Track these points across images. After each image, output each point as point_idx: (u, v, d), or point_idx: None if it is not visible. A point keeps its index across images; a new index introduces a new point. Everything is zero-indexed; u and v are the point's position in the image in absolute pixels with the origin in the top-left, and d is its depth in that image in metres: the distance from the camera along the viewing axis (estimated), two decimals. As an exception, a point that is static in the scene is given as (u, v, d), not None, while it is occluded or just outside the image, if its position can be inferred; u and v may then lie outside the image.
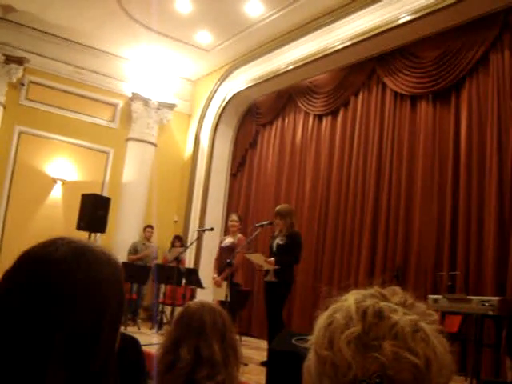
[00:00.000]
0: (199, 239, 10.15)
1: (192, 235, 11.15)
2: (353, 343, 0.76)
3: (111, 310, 1.00)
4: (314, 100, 10.12)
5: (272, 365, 4.89)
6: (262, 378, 4.92)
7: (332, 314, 0.82)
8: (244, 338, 8.66)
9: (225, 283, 7.29)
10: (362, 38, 8.41)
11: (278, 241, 6.84)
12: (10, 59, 10.50)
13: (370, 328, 0.77)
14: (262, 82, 10.63)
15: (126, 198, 11.64)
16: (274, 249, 6.86)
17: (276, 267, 6.65)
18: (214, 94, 11.88)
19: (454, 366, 0.80)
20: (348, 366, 0.75)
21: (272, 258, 6.73)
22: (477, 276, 6.82)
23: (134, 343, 2.06)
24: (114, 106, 11.98)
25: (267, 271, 6.83)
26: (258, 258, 7.05)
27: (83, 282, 0.97)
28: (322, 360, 0.79)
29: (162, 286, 10.29)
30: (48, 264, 0.97)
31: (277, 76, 10.24)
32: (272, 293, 6.75)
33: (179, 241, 11.06)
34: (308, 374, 0.83)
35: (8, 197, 10.67)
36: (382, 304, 0.79)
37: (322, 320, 0.83)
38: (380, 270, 7.89)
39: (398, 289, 0.85)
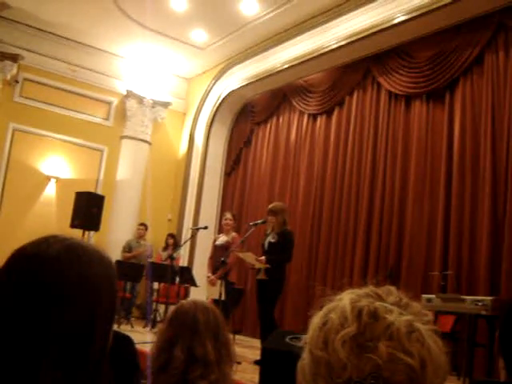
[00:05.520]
0: (193, 238, 10.14)
1: (186, 234, 11.15)
2: (348, 344, 0.76)
3: (104, 307, 1.00)
4: (309, 99, 10.11)
5: (265, 363, 4.88)
6: (256, 377, 4.92)
7: (327, 314, 0.81)
8: (237, 337, 8.65)
9: (219, 282, 7.28)
10: (356, 37, 8.41)
11: (270, 239, 6.84)
12: (4, 56, 10.44)
13: (365, 328, 0.76)
14: (256, 80, 10.62)
15: (120, 196, 11.61)
16: (266, 247, 6.86)
17: (267, 266, 6.65)
18: (208, 93, 11.87)
19: (448, 367, 0.79)
20: (343, 366, 0.75)
21: (263, 257, 6.73)
22: (470, 276, 6.84)
23: (127, 342, 2.05)
24: (109, 103, 11.95)
25: (259, 270, 6.82)
26: (249, 257, 7.06)
27: (76, 280, 0.97)
28: (317, 360, 0.79)
29: (156, 285, 10.28)
30: (40, 262, 0.96)
31: (272, 75, 10.24)
32: (263, 291, 6.75)
33: (172, 239, 11.05)
34: (302, 374, 0.83)
35: (1, 194, 10.62)
36: (378, 304, 0.79)
37: (316, 319, 0.83)
38: (373, 270, 7.89)
39: (393, 288, 0.84)
